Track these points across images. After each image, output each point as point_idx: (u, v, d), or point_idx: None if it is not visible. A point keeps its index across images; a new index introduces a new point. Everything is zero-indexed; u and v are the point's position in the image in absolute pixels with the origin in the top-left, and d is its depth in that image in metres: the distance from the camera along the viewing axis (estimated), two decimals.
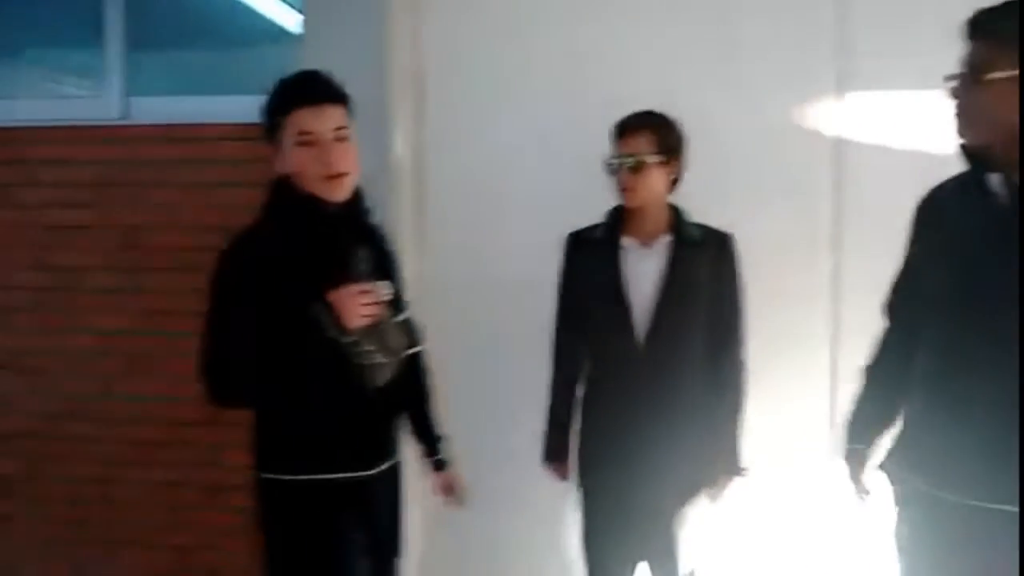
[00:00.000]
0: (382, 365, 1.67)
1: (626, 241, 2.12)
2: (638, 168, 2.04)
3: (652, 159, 2.05)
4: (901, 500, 1.65)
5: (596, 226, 2.19)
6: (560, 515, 2.43)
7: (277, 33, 3.00)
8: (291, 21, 2.97)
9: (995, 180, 1.48)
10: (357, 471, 1.70)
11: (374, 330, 1.65)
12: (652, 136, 2.05)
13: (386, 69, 2.48)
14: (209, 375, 1.65)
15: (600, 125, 2.20)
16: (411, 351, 1.79)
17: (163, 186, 2.81)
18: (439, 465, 1.96)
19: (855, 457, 1.77)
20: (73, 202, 2.87)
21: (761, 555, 2.53)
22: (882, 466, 1.71)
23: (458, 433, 2.02)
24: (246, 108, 2.71)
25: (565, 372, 2.23)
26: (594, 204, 2.20)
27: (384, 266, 1.79)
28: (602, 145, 2.15)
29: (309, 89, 1.67)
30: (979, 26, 1.46)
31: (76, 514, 2.92)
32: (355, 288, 1.62)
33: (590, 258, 2.17)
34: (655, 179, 2.07)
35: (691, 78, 2.44)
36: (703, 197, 2.16)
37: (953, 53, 1.47)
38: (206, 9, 3.12)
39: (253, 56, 3.01)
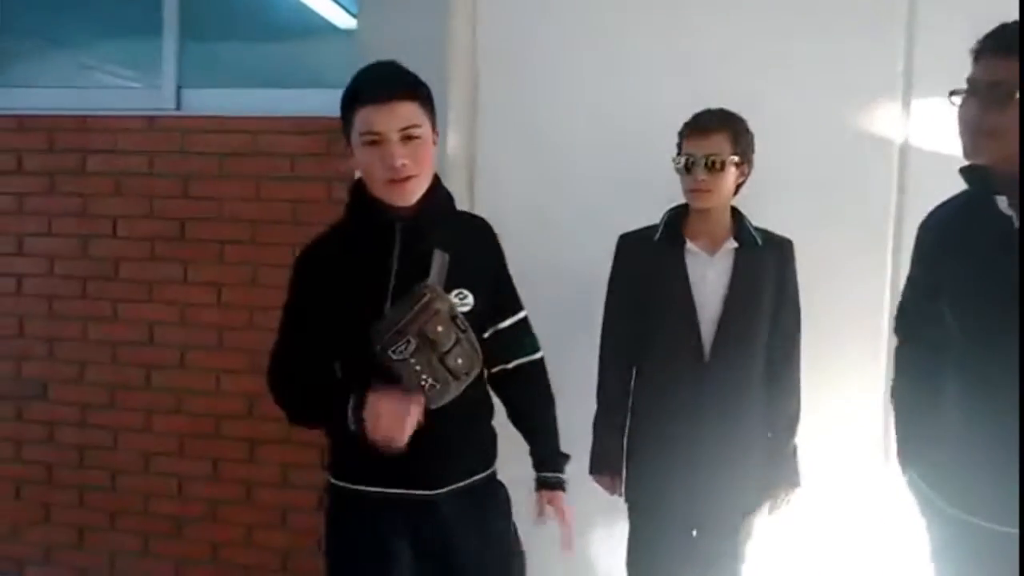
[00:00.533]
0: (435, 388, 1.52)
1: (691, 246, 2.07)
2: (718, 167, 1.99)
3: (731, 159, 2.00)
4: (928, 521, 1.62)
5: (652, 228, 2.14)
6: (607, 529, 2.37)
7: (328, 29, 2.99)
8: (341, 18, 2.98)
9: (1003, 202, 1.44)
10: (412, 489, 1.60)
11: (430, 351, 1.50)
12: (731, 135, 2.00)
13: (444, 63, 2.44)
14: (272, 391, 1.67)
15: (655, 125, 2.16)
16: (473, 374, 1.58)
17: (213, 178, 2.81)
18: (539, 483, 1.74)
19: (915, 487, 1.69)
20: (122, 191, 2.88)
21: (814, 568, 2.45)
22: (909, 485, 1.67)
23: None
24: (299, 102, 2.83)
25: (616, 380, 2.16)
26: (645, 203, 2.16)
27: (466, 272, 1.61)
28: (656, 146, 2.10)
29: (374, 84, 1.54)
30: (1007, 42, 1.40)
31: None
32: (396, 396, 1.50)
33: (651, 262, 2.10)
34: (730, 180, 2.02)
35: (754, 82, 2.38)
36: (764, 202, 2.11)
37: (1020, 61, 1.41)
38: (260, 2, 3.12)
39: (305, 50, 3.01)
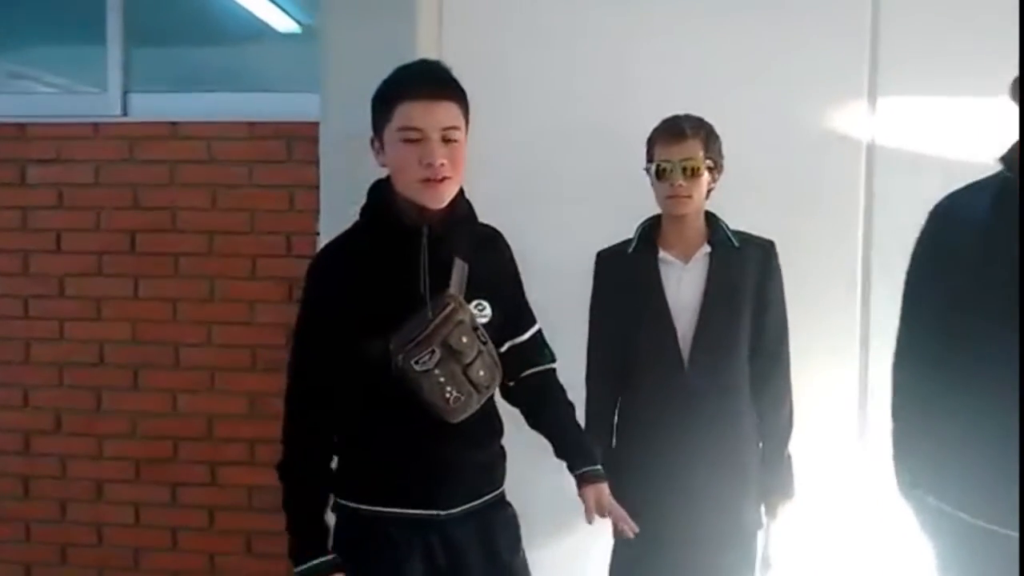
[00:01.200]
0: (460, 400, 1.48)
1: (664, 255, 2.04)
2: (694, 173, 1.96)
3: (705, 163, 1.97)
4: (929, 526, 1.60)
5: (627, 242, 2.11)
6: (589, 546, 2.32)
7: (268, 33, 2.92)
8: (282, 22, 2.92)
9: None
10: (421, 509, 1.54)
11: (454, 362, 1.47)
12: (703, 140, 1.98)
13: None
14: (286, 446, 1.58)
15: (623, 131, 2.13)
16: (493, 387, 1.56)
17: (165, 187, 2.68)
18: (582, 481, 1.67)
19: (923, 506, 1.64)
20: (68, 204, 2.72)
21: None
22: (903, 490, 1.65)
23: None
24: (252, 106, 2.72)
25: (602, 395, 2.10)
26: (621, 202, 2.12)
27: (484, 283, 1.58)
28: (622, 151, 2.07)
29: (420, 81, 1.48)
30: None
31: None
32: None
33: (626, 276, 2.07)
34: (704, 186, 2.00)
35: (720, 83, 2.38)
36: (732, 204, 2.10)
37: (985, 60, 1.41)
38: (200, 6, 3.00)
39: (246, 54, 2.92)
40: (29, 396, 2.75)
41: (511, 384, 1.70)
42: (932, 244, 1.60)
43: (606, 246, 2.13)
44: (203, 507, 2.69)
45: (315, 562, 1.51)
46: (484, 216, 1.70)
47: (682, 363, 1.99)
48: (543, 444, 2.16)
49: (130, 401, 2.71)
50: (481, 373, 1.50)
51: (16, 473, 2.75)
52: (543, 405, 1.73)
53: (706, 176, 1.99)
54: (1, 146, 2.73)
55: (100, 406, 2.72)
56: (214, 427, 2.68)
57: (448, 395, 1.47)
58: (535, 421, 1.74)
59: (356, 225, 1.61)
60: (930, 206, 1.64)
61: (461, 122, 1.52)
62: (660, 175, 1.98)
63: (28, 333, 2.74)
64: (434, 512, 1.55)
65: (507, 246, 1.71)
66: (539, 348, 1.74)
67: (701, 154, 1.97)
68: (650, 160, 2.02)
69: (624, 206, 2.13)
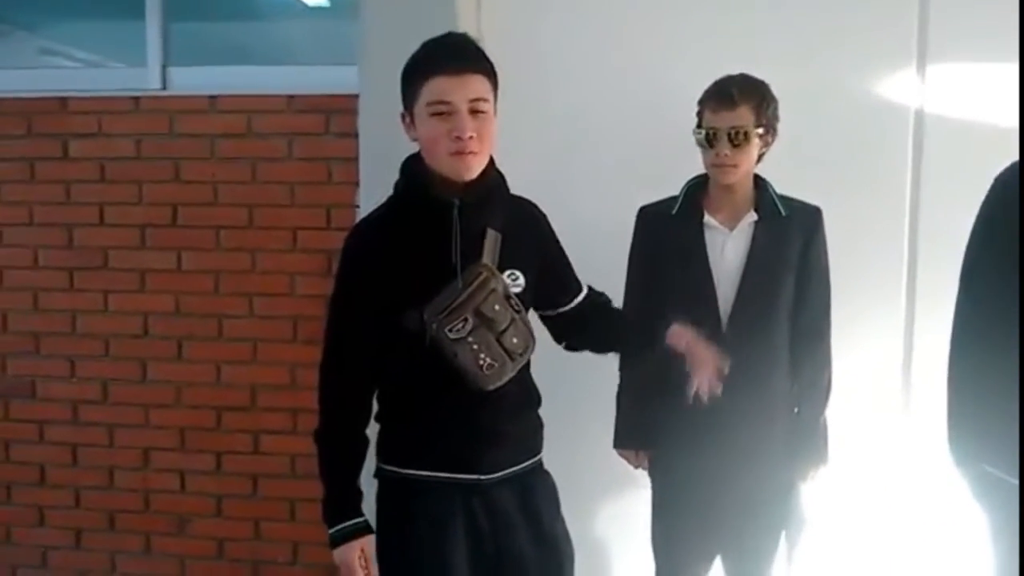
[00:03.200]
0: (493, 367, 1.52)
1: (709, 220, 2.01)
2: (742, 140, 1.91)
3: (755, 131, 1.92)
4: (984, 495, 1.59)
5: (672, 201, 2.08)
6: (629, 506, 2.34)
7: (298, 8, 2.93)
8: None
9: None
10: (462, 473, 1.58)
11: (487, 330, 1.51)
12: (755, 105, 1.91)
13: None
14: (322, 415, 1.62)
15: (670, 98, 2.10)
16: (527, 354, 1.59)
17: (206, 161, 2.69)
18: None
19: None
20: (109, 178, 2.74)
21: (838, 542, 2.45)
22: (958, 458, 1.63)
23: None
24: (291, 79, 2.72)
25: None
26: (662, 177, 2.10)
27: (517, 254, 1.61)
28: (672, 119, 2.04)
29: (449, 55, 1.51)
30: None
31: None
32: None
33: (669, 237, 2.04)
34: (754, 153, 1.95)
35: (767, 51, 2.31)
36: (778, 172, 2.06)
37: None
38: None
39: (276, 29, 2.92)
40: (76, 367, 2.80)
41: (565, 343, 1.77)
42: (991, 214, 1.58)
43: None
44: (247, 475, 2.74)
45: (347, 524, 1.56)
46: (527, 189, 1.71)
47: (720, 327, 1.97)
48: (582, 415, 2.19)
49: (175, 372, 2.75)
50: (515, 340, 1.54)
51: (65, 441, 2.82)
52: (597, 312, 1.79)
53: (756, 142, 1.93)
54: (43, 120, 2.76)
55: (145, 376, 2.76)
56: (257, 397, 2.72)
57: (482, 362, 1.50)
58: (599, 328, 1.79)
59: (390, 200, 1.63)
60: (979, 175, 1.62)
61: (490, 95, 1.53)
62: (707, 141, 1.94)
63: (73, 305, 2.79)
64: (475, 476, 1.58)
65: (543, 216, 1.73)
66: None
67: (751, 120, 1.91)
68: (699, 126, 1.98)
69: (666, 178, 2.11)
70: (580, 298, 1.76)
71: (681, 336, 1.67)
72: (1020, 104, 1.30)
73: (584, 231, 2.37)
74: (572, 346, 1.81)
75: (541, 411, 1.72)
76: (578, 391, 2.19)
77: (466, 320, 1.49)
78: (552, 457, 1.75)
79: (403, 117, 1.57)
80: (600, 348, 1.82)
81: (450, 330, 1.48)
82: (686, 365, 1.67)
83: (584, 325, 1.75)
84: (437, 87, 1.48)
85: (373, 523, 1.61)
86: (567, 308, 1.74)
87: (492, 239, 1.55)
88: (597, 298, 1.81)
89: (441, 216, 1.52)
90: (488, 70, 1.54)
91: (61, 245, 2.77)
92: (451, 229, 1.52)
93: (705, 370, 1.64)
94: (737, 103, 1.90)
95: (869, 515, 2.44)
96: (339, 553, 1.56)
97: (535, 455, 1.69)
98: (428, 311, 1.49)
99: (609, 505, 2.47)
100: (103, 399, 2.79)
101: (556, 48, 2.48)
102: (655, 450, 2.12)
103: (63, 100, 2.75)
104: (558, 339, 1.79)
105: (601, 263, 2.19)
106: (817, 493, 2.14)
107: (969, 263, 1.63)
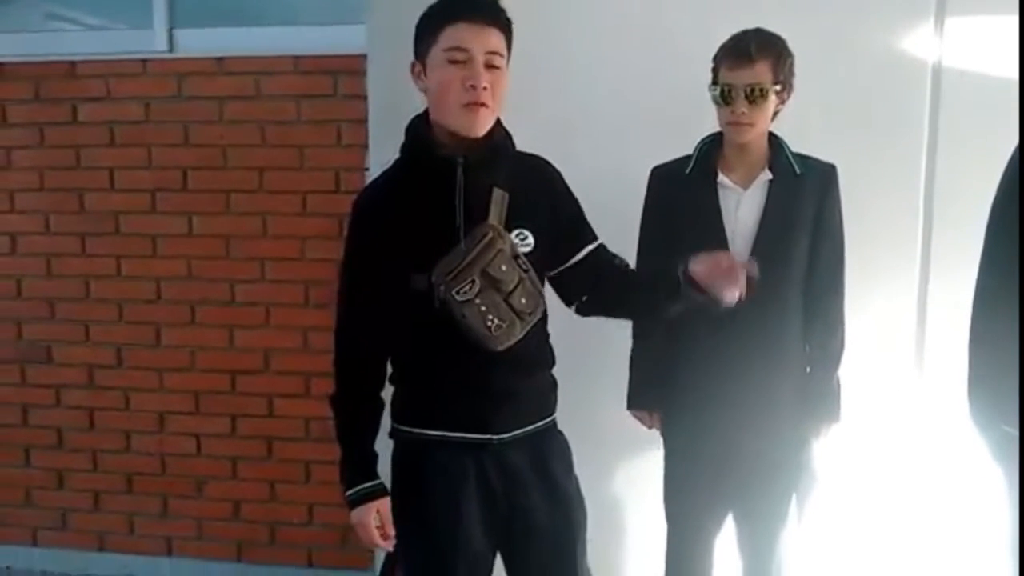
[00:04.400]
0: (501, 327, 1.50)
1: (723, 179, 1.99)
2: (759, 97, 1.87)
3: (772, 88, 1.88)
4: (1002, 454, 1.57)
5: (685, 160, 2.05)
6: (643, 466, 2.35)
7: None
8: None
9: None
10: (474, 432, 1.57)
11: (495, 291, 1.49)
12: (772, 62, 1.87)
13: None
14: (337, 378, 1.63)
15: (683, 54, 2.06)
16: (536, 314, 1.56)
17: (214, 123, 2.67)
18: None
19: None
20: (119, 141, 2.73)
21: (849, 501, 2.46)
22: (977, 418, 1.61)
23: None
24: (299, 40, 2.69)
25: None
26: (673, 136, 2.06)
27: (525, 213, 1.57)
28: (684, 75, 2.00)
29: (471, 3, 1.49)
30: None
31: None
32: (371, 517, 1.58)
33: (682, 196, 2.02)
34: (770, 110, 1.91)
35: (783, 3, 2.28)
36: (793, 128, 2.03)
37: None
38: None
39: None
40: (91, 331, 2.82)
41: (576, 304, 1.70)
42: (1014, 175, 1.54)
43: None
44: (262, 437, 2.77)
45: (363, 486, 1.58)
46: (537, 147, 1.68)
47: None
48: (595, 374, 2.19)
49: (188, 336, 2.77)
50: (523, 301, 1.52)
51: (82, 405, 2.85)
52: (612, 270, 1.70)
53: (773, 99, 1.90)
54: (52, 84, 2.75)
55: (160, 341, 2.79)
56: (270, 360, 2.74)
57: (490, 323, 1.49)
58: (616, 285, 1.69)
59: (396, 162, 1.61)
60: (997, 132, 1.59)
61: (505, 51, 1.51)
62: (723, 99, 1.91)
63: (87, 270, 2.80)
64: (488, 436, 1.58)
65: (556, 173, 1.69)
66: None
67: (769, 78, 1.86)
68: (715, 82, 1.94)
69: (680, 133, 2.07)
70: (592, 247, 1.69)
71: (699, 262, 1.56)
72: (1021, 109, 1.26)
73: (596, 191, 2.38)
74: (584, 308, 1.74)
75: (555, 372, 1.71)
76: (592, 352, 2.18)
77: (473, 282, 1.47)
78: (566, 418, 1.75)
79: (413, 66, 1.54)
80: (612, 309, 1.76)
81: (457, 292, 1.47)
82: (708, 298, 1.56)
83: (596, 281, 1.70)
84: (457, 34, 1.46)
85: (388, 484, 1.62)
86: (577, 258, 1.67)
87: (499, 198, 1.52)
88: (611, 258, 1.75)
89: (445, 175, 1.51)
90: (506, 26, 1.52)
91: (72, 210, 2.78)
92: (455, 188, 1.50)
93: (730, 278, 1.54)
94: (755, 60, 1.86)
95: (880, 474, 2.44)
96: (356, 514, 1.58)
97: (548, 415, 1.68)
98: (436, 273, 1.48)
99: (623, 466, 2.48)
100: (118, 363, 2.82)
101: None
102: (668, 410, 2.12)
103: (71, 64, 2.74)
104: (569, 300, 1.72)
105: (613, 223, 2.20)
106: (829, 451, 2.15)
107: (993, 225, 1.60)
